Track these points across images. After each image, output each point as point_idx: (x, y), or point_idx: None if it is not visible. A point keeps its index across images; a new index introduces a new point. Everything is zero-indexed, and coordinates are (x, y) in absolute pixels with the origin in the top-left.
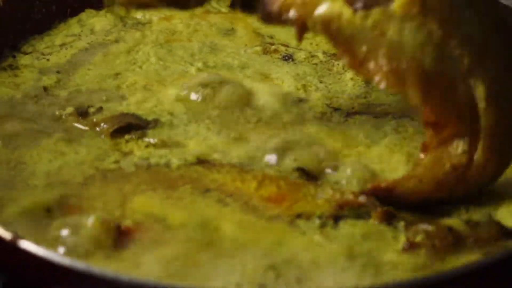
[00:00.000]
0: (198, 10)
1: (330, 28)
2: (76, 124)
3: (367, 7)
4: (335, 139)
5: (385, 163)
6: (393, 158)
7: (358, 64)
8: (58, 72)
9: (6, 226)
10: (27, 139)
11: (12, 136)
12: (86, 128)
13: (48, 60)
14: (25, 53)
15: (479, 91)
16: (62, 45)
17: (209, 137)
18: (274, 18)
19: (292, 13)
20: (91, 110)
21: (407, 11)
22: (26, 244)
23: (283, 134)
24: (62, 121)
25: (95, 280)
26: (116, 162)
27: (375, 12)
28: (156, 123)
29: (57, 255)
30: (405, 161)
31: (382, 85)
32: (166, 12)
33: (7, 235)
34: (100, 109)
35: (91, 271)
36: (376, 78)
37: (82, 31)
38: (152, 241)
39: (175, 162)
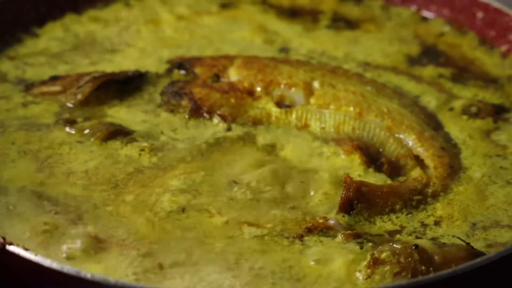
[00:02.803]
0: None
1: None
2: (66, 128)
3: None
4: None
5: None
6: None
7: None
8: None
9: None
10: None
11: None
12: (74, 132)
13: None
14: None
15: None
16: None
17: None
18: (203, 113)
19: (223, 110)
20: (79, 119)
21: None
22: (15, 248)
23: None
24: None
25: (84, 283)
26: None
27: (297, 109)
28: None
29: (46, 259)
30: None
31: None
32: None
33: None
34: None
35: (80, 274)
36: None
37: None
38: None
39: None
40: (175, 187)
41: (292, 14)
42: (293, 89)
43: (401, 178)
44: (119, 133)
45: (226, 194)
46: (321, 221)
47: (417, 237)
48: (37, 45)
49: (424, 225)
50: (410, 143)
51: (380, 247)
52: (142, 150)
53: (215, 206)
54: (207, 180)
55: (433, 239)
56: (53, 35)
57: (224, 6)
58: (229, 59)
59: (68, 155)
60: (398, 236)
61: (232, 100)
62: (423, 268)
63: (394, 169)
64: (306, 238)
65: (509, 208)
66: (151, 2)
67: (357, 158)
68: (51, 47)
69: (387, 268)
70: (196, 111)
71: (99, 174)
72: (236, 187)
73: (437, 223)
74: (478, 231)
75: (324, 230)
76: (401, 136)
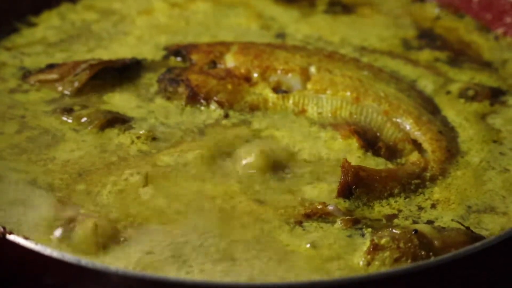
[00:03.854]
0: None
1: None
2: (63, 118)
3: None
4: None
5: None
6: None
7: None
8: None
9: None
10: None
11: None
12: (71, 121)
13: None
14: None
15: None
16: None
17: None
18: (200, 100)
19: (220, 96)
20: (76, 107)
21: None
22: (15, 238)
23: None
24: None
25: (84, 272)
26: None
27: (294, 95)
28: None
29: (47, 248)
30: None
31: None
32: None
33: None
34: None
35: (80, 263)
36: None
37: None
38: None
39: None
40: (165, 163)
41: None
42: (289, 75)
43: (401, 160)
44: (116, 120)
45: (219, 176)
46: (320, 206)
47: (413, 221)
48: (34, 34)
49: (420, 208)
50: (408, 127)
51: (380, 232)
52: (138, 137)
53: (208, 187)
54: (199, 160)
55: (428, 222)
56: (49, 24)
57: None
58: (226, 46)
59: (58, 143)
60: (395, 220)
61: (229, 86)
62: (423, 253)
63: (392, 154)
64: (305, 224)
65: (506, 194)
66: None
67: (354, 143)
68: (48, 36)
69: (387, 253)
70: (193, 98)
71: (78, 163)
72: (231, 169)
73: (433, 206)
74: (473, 214)
75: (323, 216)
76: (398, 120)
